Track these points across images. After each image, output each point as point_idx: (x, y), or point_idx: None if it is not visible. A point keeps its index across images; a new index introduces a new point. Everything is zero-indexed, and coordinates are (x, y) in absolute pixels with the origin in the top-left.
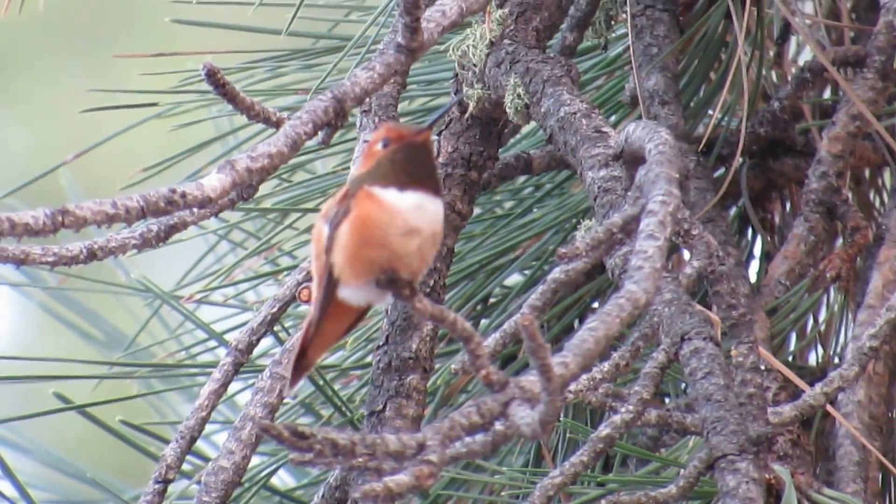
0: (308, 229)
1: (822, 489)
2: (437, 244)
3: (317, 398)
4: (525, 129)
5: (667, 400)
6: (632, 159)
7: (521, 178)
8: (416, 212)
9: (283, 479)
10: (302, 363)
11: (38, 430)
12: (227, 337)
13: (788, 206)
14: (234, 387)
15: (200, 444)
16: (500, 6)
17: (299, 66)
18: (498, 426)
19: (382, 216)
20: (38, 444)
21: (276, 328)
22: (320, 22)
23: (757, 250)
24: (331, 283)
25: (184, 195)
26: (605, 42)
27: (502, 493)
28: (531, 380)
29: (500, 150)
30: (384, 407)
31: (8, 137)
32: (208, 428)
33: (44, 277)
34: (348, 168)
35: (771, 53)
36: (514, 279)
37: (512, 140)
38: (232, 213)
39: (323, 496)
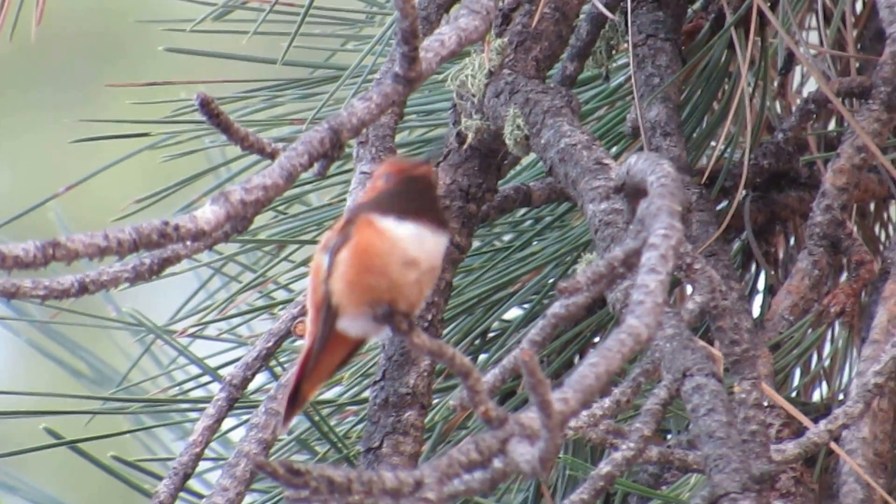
0: (304, 262)
1: None
2: (434, 279)
3: (312, 434)
4: (525, 161)
5: (669, 437)
6: (633, 192)
7: (521, 211)
8: (416, 243)
9: None
10: (296, 399)
11: (26, 467)
12: (222, 372)
13: (792, 239)
14: (227, 423)
15: (193, 483)
16: (500, 35)
17: (296, 96)
18: (497, 463)
19: (383, 244)
20: (26, 483)
21: (271, 363)
22: (317, 51)
23: (760, 285)
24: (330, 313)
25: (177, 228)
26: (607, 72)
27: None
28: (531, 416)
29: (499, 182)
30: (381, 444)
31: None
32: (201, 466)
33: (31, 312)
34: (345, 200)
35: (775, 84)
36: (514, 313)
37: (511, 172)
38: (227, 245)
39: None
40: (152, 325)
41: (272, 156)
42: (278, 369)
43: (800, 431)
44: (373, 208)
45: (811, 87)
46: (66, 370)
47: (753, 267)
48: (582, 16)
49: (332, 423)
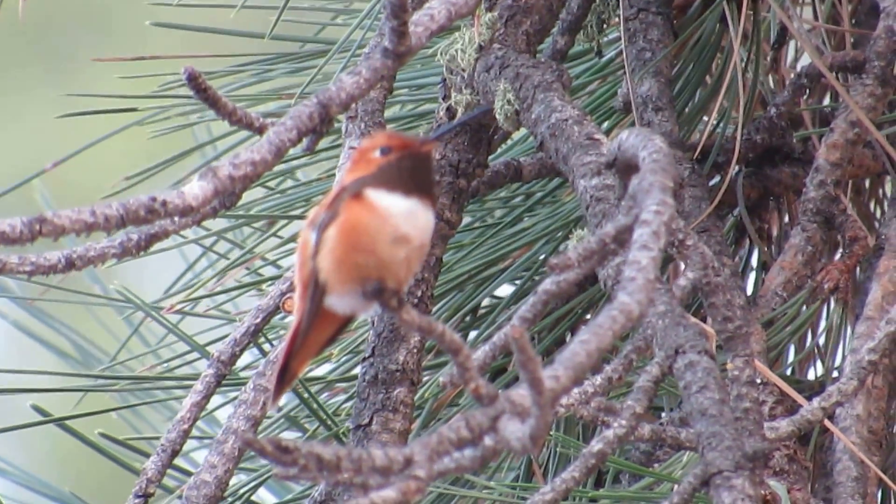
0: (292, 238)
1: None
2: (423, 256)
3: (301, 411)
4: (515, 136)
5: (662, 415)
6: (625, 167)
7: (512, 186)
8: (408, 219)
9: (266, 496)
10: (285, 375)
11: (11, 447)
12: (209, 349)
13: (786, 215)
14: (215, 401)
15: (181, 461)
16: (490, 9)
17: (286, 70)
18: (487, 441)
19: (372, 221)
20: (13, 464)
21: (259, 339)
22: (307, 25)
23: (753, 261)
24: (317, 291)
25: (164, 203)
26: (598, 46)
27: None
28: (521, 393)
29: (489, 157)
30: (370, 421)
31: None
32: (189, 445)
33: (15, 291)
34: (334, 175)
35: (768, 59)
36: (504, 290)
37: (502, 147)
38: (217, 222)
39: None
40: (140, 301)
41: (260, 131)
42: (266, 346)
43: (793, 409)
44: (368, 182)
45: (805, 61)
46: (52, 351)
47: (746, 243)
48: None
49: (322, 399)
